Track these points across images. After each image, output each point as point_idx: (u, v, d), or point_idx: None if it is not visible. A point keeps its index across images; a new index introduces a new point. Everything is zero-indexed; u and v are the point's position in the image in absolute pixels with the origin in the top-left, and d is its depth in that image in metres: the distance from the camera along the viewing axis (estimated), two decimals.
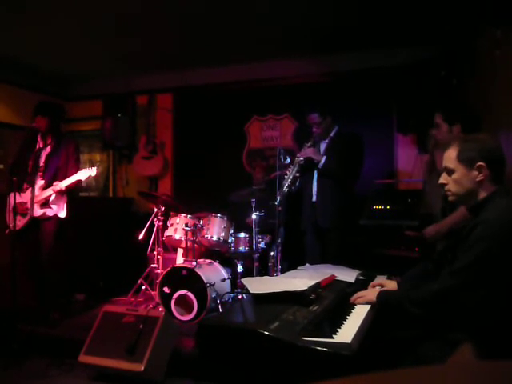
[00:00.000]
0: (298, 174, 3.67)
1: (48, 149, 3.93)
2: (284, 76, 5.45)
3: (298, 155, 3.72)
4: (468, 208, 1.90)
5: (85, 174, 3.73)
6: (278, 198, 3.54)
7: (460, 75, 3.93)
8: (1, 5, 3.88)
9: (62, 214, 3.87)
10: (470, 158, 1.78)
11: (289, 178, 3.62)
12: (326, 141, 3.84)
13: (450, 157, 1.84)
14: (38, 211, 3.79)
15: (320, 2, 3.95)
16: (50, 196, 3.77)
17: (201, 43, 4.90)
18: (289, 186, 3.61)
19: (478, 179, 1.78)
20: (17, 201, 3.71)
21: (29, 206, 3.80)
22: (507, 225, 1.66)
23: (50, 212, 3.82)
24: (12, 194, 3.51)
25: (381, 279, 2.57)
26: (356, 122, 4.86)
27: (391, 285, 2.25)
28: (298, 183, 3.77)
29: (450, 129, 2.75)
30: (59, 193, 3.78)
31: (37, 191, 3.80)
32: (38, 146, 3.95)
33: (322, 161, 3.67)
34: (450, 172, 1.85)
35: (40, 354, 3.37)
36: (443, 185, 1.89)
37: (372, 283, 2.36)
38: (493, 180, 1.78)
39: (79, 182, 3.80)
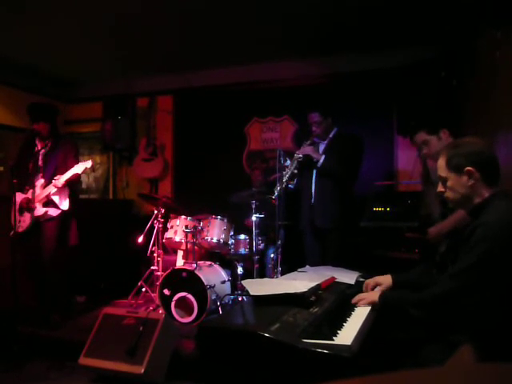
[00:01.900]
0: (296, 171, 3.67)
1: (46, 149, 3.95)
2: (284, 78, 5.45)
3: (296, 152, 3.73)
4: (468, 211, 1.90)
5: (81, 166, 3.76)
6: (276, 192, 3.54)
7: (460, 76, 3.92)
8: (0, 5, 3.88)
9: (65, 206, 3.88)
10: (458, 165, 1.80)
11: (287, 173, 3.63)
12: (325, 142, 3.85)
13: (441, 166, 1.87)
14: (40, 210, 3.80)
15: (320, 3, 3.95)
16: (50, 194, 3.78)
17: (201, 45, 4.91)
18: (287, 181, 3.61)
19: (469, 184, 1.79)
20: (21, 198, 3.76)
21: (33, 202, 3.82)
22: (507, 226, 1.66)
23: (52, 212, 3.83)
24: (14, 196, 3.53)
25: None
26: (356, 123, 4.86)
27: (386, 280, 2.24)
28: (296, 181, 3.77)
29: (438, 137, 2.75)
30: (60, 188, 3.80)
31: (38, 190, 3.83)
32: (36, 148, 3.97)
33: (321, 160, 3.68)
34: (443, 181, 1.88)
35: (40, 356, 3.36)
36: (441, 193, 1.91)
37: (366, 282, 2.33)
38: (486, 182, 1.78)
39: (77, 175, 3.82)
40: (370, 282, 2.30)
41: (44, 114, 3.91)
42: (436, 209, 2.83)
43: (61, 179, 3.74)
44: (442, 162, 1.87)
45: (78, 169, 3.76)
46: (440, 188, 1.91)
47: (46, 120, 3.90)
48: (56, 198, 3.83)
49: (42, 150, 3.95)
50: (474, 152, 1.79)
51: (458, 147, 1.84)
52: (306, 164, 3.74)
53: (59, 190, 3.82)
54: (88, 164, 3.77)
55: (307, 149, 3.72)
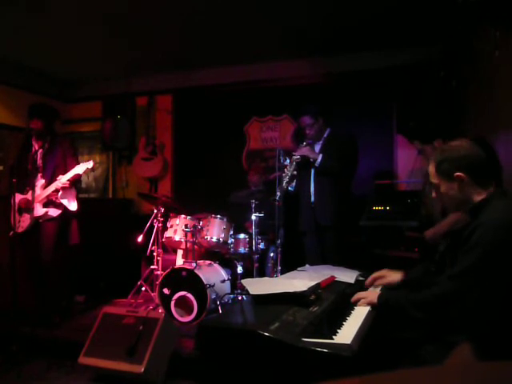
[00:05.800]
0: (295, 173, 3.71)
1: (44, 149, 3.95)
2: (284, 77, 5.45)
3: (294, 154, 3.76)
4: (466, 211, 1.90)
5: (82, 167, 3.77)
6: (278, 193, 3.56)
7: (459, 76, 3.93)
8: (0, 5, 3.88)
9: (73, 207, 3.89)
10: (446, 171, 1.78)
11: (287, 175, 3.66)
12: (320, 142, 3.89)
13: (432, 173, 1.86)
14: (41, 210, 3.80)
15: (320, 3, 3.96)
16: (52, 195, 3.78)
17: (201, 44, 4.91)
18: (287, 183, 3.65)
19: (461, 188, 1.77)
20: (20, 198, 3.76)
21: (32, 204, 3.81)
22: (507, 226, 1.66)
23: (52, 212, 3.83)
24: (13, 196, 3.53)
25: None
26: (356, 122, 4.88)
27: (394, 276, 2.23)
28: (295, 182, 3.81)
29: (432, 147, 2.86)
30: (64, 188, 3.80)
31: (38, 191, 3.82)
32: (33, 148, 3.97)
33: (319, 159, 3.71)
34: (436, 188, 1.86)
35: (40, 355, 3.36)
36: (436, 199, 1.91)
37: (372, 276, 2.31)
38: (478, 184, 1.77)
39: (78, 176, 3.83)
40: (376, 274, 2.30)
41: (38, 111, 3.91)
42: (437, 207, 2.84)
43: (63, 179, 3.74)
44: (432, 169, 1.85)
45: (80, 169, 3.76)
46: (434, 195, 1.91)
47: (39, 116, 3.88)
48: (65, 201, 3.83)
49: (40, 150, 3.94)
50: (461, 156, 1.76)
51: (444, 153, 1.82)
52: (304, 165, 3.77)
53: (66, 192, 3.82)
54: (89, 165, 3.78)
55: (304, 149, 3.75)
